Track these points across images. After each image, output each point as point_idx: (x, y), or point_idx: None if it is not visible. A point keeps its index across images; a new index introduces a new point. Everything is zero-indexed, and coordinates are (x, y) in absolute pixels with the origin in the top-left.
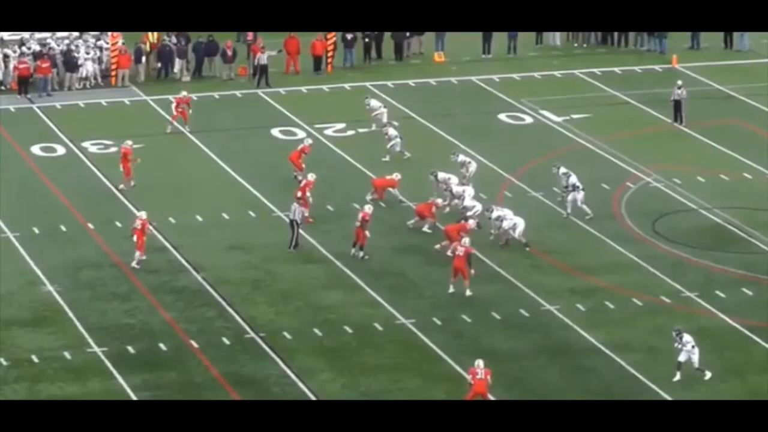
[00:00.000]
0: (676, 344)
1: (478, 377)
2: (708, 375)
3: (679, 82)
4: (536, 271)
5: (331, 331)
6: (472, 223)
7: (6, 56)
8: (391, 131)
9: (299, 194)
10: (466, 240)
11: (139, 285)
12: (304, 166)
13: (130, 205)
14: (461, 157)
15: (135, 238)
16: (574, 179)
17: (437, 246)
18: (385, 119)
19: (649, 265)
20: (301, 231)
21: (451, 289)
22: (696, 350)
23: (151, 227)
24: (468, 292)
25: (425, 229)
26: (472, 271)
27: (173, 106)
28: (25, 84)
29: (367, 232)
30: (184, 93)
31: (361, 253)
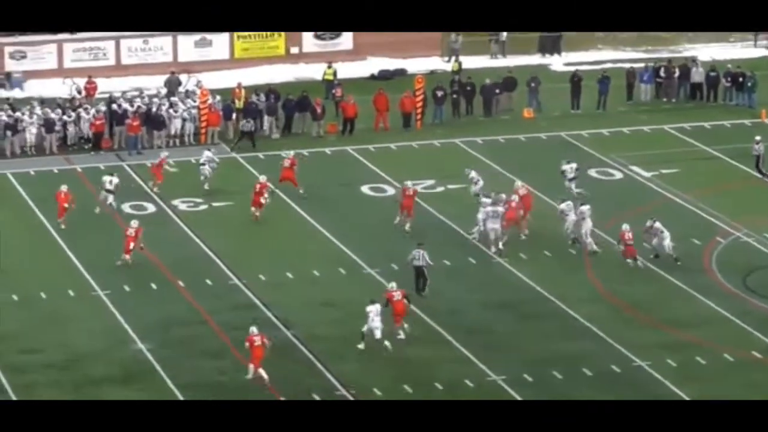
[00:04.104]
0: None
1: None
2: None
3: (758, 138)
4: (626, 325)
5: (421, 388)
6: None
7: (78, 115)
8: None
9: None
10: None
11: (229, 342)
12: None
13: (221, 264)
14: (472, 174)
15: (132, 245)
16: (659, 225)
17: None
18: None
19: (740, 320)
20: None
21: (401, 335)
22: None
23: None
24: (405, 327)
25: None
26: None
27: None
28: (98, 141)
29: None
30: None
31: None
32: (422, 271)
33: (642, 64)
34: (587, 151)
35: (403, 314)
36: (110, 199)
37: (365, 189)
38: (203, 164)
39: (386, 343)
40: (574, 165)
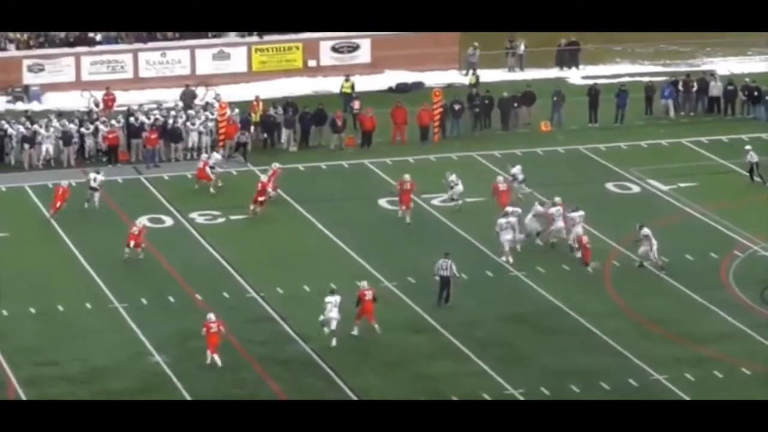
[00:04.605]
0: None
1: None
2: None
3: (748, 147)
4: (644, 340)
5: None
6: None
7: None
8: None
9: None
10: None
11: (247, 356)
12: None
13: (237, 276)
14: (452, 177)
15: (132, 243)
16: (646, 231)
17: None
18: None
19: (758, 333)
20: (408, 302)
21: (356, 331)
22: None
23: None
24: (376, 327)
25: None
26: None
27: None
28: (114, 154)
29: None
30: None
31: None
32: (448, 282)
33: (660, 78)
34: (605, 165)
35: (370, 314)
36: (95, 197)
37: (383, 202)
38: (212, 167)
39: (353, 332)
40: (519, 167)
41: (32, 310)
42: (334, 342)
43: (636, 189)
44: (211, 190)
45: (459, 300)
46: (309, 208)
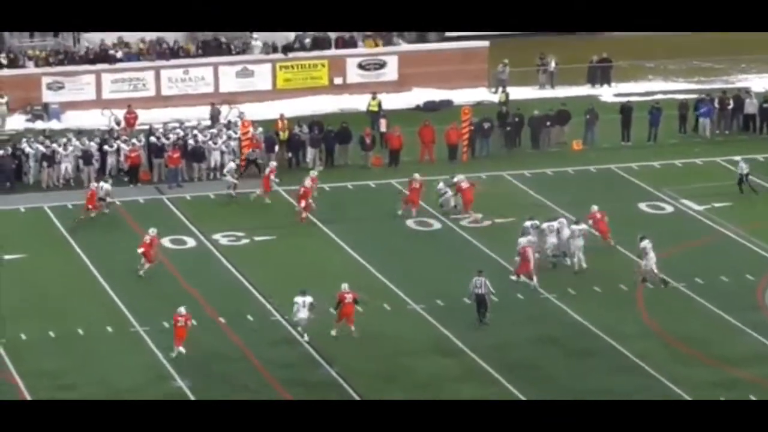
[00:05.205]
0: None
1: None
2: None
3: (737, 158)
4: (676, 362)
5: None
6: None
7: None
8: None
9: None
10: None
11: (271, 379)
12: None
13: (261, 298)
14: (440, 185)
15: (142, 251)
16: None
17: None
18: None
19: None
20: (436, 324)
21: (334, 332)
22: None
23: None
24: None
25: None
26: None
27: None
28: (135, 173)
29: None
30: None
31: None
32: (484, 300)
33: (695, 96)
34: (637, 184)
35: (350, 317)
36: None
37: (411, 223)
38: (225, 174)
39: (332, 333)
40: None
41: (52, 334)
42: (306, 336)
43: (669, 209)
44: (233, 193)
45: (488, 323)
46: (335, 228)
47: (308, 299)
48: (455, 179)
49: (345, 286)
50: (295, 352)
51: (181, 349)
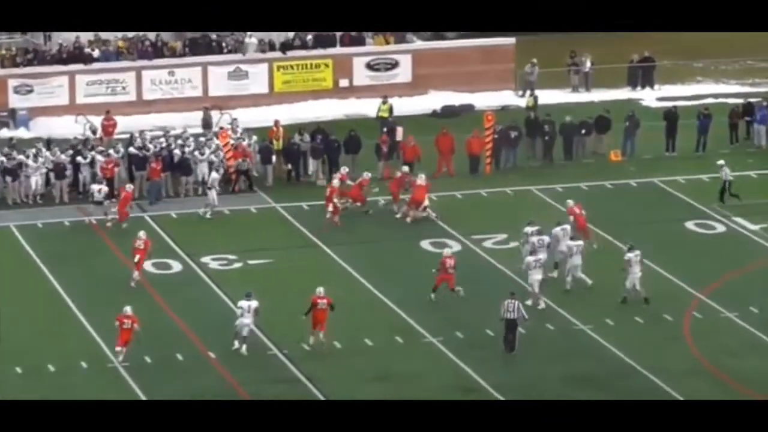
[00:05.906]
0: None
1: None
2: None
3: (721, 162)
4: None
5: None
6: None
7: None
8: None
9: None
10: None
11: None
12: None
13: (258, 333)
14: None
15: (137, 258)
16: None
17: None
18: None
19: None
20: (455, 360)
21: (311, 341)
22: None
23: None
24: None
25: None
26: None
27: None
28: (113, 188)
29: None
30: None
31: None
32: (515, 326)
33: (749, 100)
34: (684, 200)
35: (323, 323)
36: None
37: (426, 244)
38: (210, 188)
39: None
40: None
41: (18, 370)
42: (244, 350)
43: (720, 228)
44: (207, 215)
45: (515, 357)
46: (340, 251)
47: (254, 303)
48: (418, 178)
49: (320, 291)
50: (295, 391)
51: (123, 349)
